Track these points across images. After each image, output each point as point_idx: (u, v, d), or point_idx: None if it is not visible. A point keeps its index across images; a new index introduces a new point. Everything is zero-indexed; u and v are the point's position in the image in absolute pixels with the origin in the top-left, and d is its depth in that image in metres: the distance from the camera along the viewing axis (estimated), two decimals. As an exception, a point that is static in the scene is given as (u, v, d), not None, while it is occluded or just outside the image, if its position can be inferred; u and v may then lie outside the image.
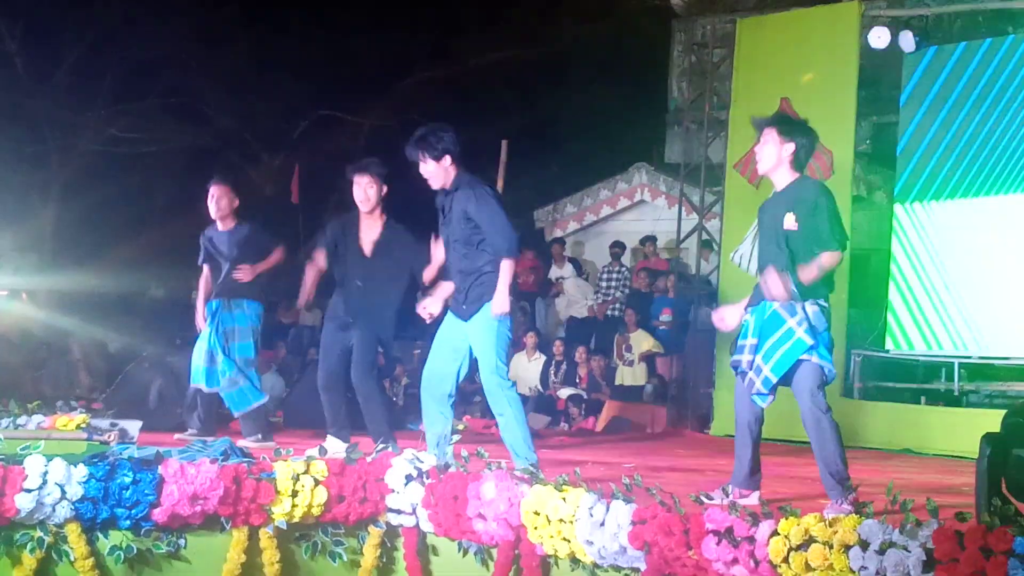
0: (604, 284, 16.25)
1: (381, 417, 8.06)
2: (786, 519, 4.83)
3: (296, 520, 6.36)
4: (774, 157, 6.19)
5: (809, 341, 5.97)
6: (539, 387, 14.37)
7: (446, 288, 7.21)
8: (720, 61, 13.84)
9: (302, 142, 21.81)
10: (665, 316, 14.64)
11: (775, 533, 4.82)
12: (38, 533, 5.95)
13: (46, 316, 15.23)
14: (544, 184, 19.57)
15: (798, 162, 6.20)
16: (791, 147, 6.16)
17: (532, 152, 18.70)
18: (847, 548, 4.61)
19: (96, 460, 6.12)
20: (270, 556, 6.32)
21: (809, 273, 6.02)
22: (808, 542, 4.72)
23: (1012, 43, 11.57)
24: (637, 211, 18.09)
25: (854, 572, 4.57)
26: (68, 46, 19.78)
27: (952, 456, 9.69)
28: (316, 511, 6.38)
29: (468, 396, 12.63)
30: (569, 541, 5.60)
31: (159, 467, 6.17)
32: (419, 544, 6.48)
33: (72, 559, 6.00)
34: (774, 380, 6.04)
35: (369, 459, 6.64)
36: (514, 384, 7.21)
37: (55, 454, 6.05)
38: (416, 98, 21.10)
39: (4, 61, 19.41)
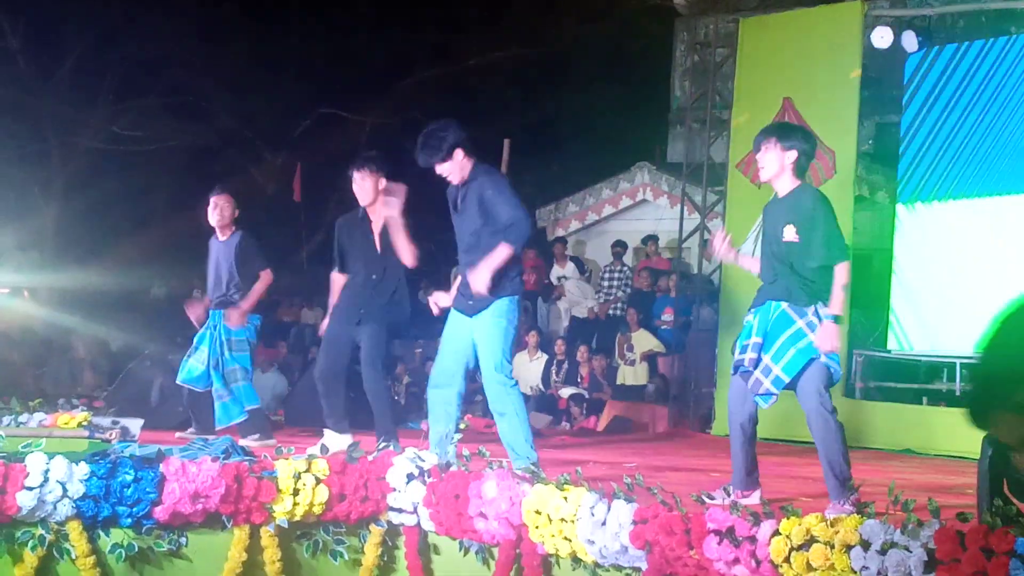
0: (606, 283, 16.25)
1: (389, 415, 8.03)
2: (787, 519, 4.83)
3: (297, 518, 6.36)
4: (776, 165, 6.20)
5: None
6: (540, 386, 14.37)
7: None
8: (723, 61, 13.83)
9: (304, 141, 21.82)
10: (667, 315, 14.63)
11: (776, 533, 4.82)
12: (39, 531, 5.96)
13: (47, 314, 15.23)
14: (546, 183, 19.57)
15: (800, 169, 6.22)
16: (792, 155, 6.17)
17: (534, 151, 18.73)
18: (848, 548, 4.61)
19: (98, 458, 6.12)
20: (271, 555, 6.32)
21: (838, 299, 6.05)
22: (809, 542, 4.72)
23: (1015, 43, 11.56)
24: (639, 210, 18.07)
25: (855, 572, 4.57)
26: (70, 44, 19.80)
27: (954, 456, 9.68)
28: (317, 509, 6.39)
29: (469, 395, 12.60)
30: (570, 540, 5.60)
31: (160, 465, 6.17)
32: (420, 543, 6.49)
33: (73, 557, 6.01)
34: (786, 380, 6.03)
35: (371, 458, 6.64)
36: (517, 383, 7.19)
37: (57, 452, 6.05)
38: (418, 97, 21.11)
39: (6, 59, 19.42)
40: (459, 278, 7.21)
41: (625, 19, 20.59)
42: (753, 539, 4.90)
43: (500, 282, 6.93)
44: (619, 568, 5.50)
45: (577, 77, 22.57)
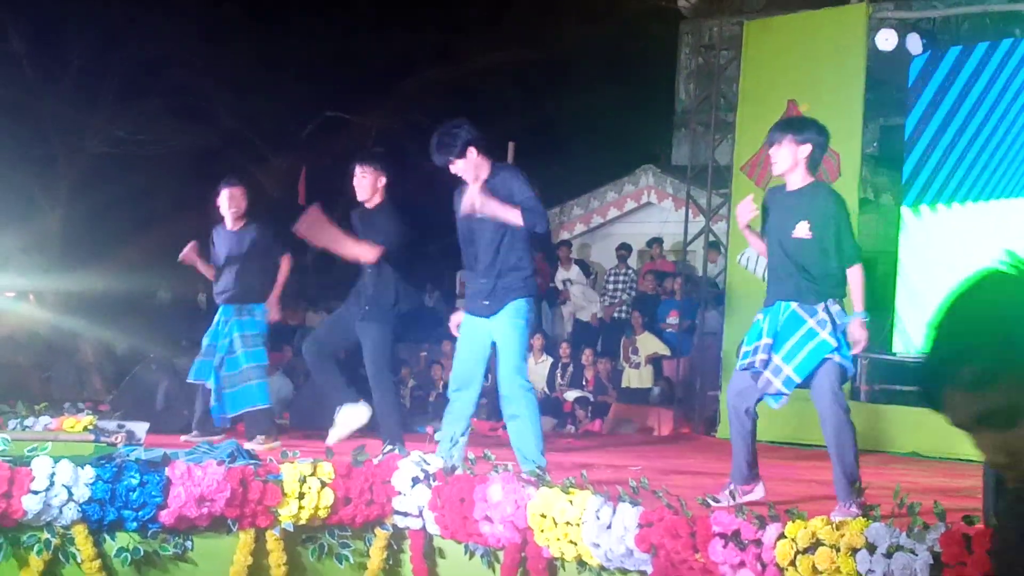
0: (611, 286, 16.25)
1: (394, 417, 8.01)
2: (793, 522, 4.83)
3: (303, 522, 6.36)
4: (790, 159, 6.17)
5: (834, 343, 5.96)
6: (545, 389, 14.36)
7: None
8: (727, 63, 13.83)
9: (308, 143, 21.82)
10: (672, 318, 14.63)
11: (782, 536, 4.82)
12: (45, 535, 5.96)
13: (53, 318, 15.24)
14: (550, 186, 19.50)
15: (813, 163, 6.20)
16: (807, 149, 6.16)
17: (538, 154, 18.68)
18: (854, 551, 4.60)
19: (103, 462, 6.13)
20: (277, 558, 6.33)
21: (860, 298, 6.06)
22: (815, 545, 4.72)
23: (1019, 45, 11.56)
24: (644, 213, 18.07)
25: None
26: (73, 47, 19.81)
27: (959, 459, 9.66)
28: (323, 513, 6.39)
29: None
30: (576, 544, 5.60)
31: (166, 469, 6.17)
32: (425, 546, 6.49)
33: (79, 561, 6.01)
34: (797, 380, 6.02)
35: (376, 461, 6.64)
36: (532, 386, 7.18)
37: (62, 456, 6.06)
38: (422, 99, 21.11)
39: (10, 62, 19.43)
40: (467, 284, 7.22)
41: (629, 21, 20.58)
42: (759, 542, 4.90)
43: (516, 282, 6.93)
44: (624, 571, 5.50)
45: (581, 79, 22.56)
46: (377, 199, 8.13)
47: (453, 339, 7.45)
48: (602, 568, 5.58)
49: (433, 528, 6.42)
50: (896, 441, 11.05)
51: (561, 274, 16.77)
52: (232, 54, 20.64)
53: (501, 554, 6.06)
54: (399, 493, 6.49)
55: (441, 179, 7.28)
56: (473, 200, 6.87)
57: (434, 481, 6.45)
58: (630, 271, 16.24)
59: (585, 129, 22.24)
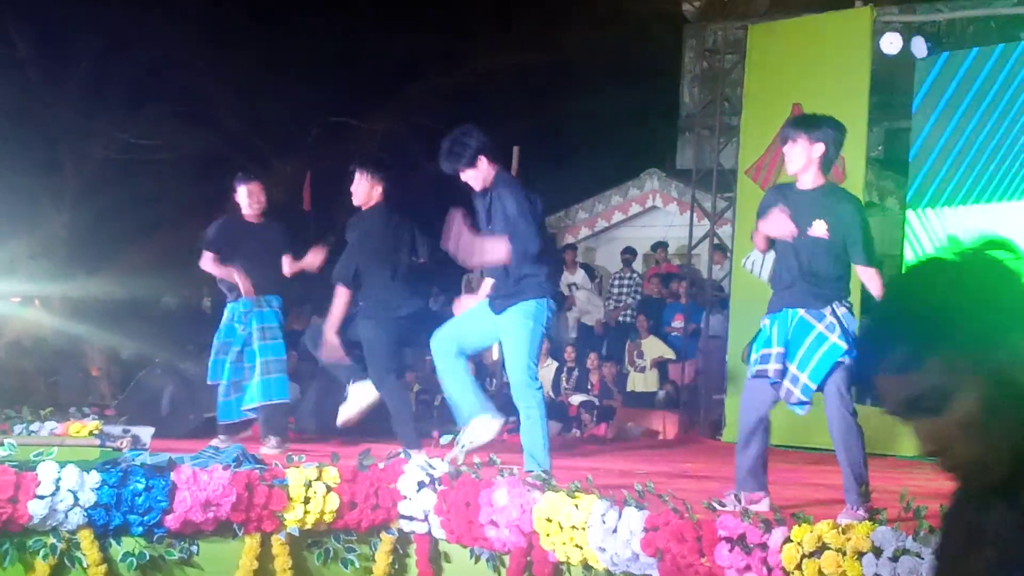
0: (616, 290, 16.25)
1: (408, 422, 7.98)
2: (799, 526, 4.82)
3: (308, 527, 6.37)
4: (803, 158, 6.11)
5: (844, 346, 5.92)
6: (551, 393, 14.36)
7: (487, 286, 7.25)
8: (732, 67, 13.82)
9: (313, 147, 21.83)
10: (677, 322, 14.62)
11: (788, 540, 4.82)
12: (51, 539, 5.97)
13: (59, 322, 15.26)
14: (556, 190, 19.53)
15: (827, 162, 6.16)
16: (820, 147, 6.10)
17: (543, 158, 18.68)
18: (860, 555, 4.60)
19: (109, 467, 6.14)
20: (282, 563, 6.33)
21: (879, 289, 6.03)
22: (821, 549, 4.71)
23: (1025, 48, 11.55)
24: (649, 217, 18.08)
25: (867, 579, 4.56)
26: (80, 52, 19.84)
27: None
28: (328, 518, 6.39)
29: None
30: (581, 548, 5.60)
31: (171, 474, 6.18)
32: (431, 551, 6.49)
33: (85, 565, 6.02)
34: (814, 387, 5.98)
35: (381, 466, 6.64)
36: (541, 386, 7.18)
37: (68, 461, 6.07)
38: (426, 103, 21.12)
39: (16, 67, 19.47)
40: (487, 281, 7.26)
41: (633, 25, 20.57)
42: (764, 546, 4.89)
43: (527, 284, 6.93)
44: (630, 575, 5.49)
45: (585, 83, 22.55)
46: (373, 203, 8.14)
47: None
48: (608, 572, 5.57)
49: (439, 532, 6.42)
50: (903, 444, 11.02)
51: (566, 278, 16.75)
52: (237, 58, 20.65)
53: (507, 558, 6.06)
54: (405, 497, 6.50)
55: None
56: (459, 242, 6.90)
57: (440, 485, 6.45)
58: (635, 275, 16.24)
59: (590, 133, 22.24)
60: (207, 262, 8.94)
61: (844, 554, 4.63)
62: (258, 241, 8.95)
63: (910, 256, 12.08)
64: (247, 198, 8.94)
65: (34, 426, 7.18)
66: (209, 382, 8.96)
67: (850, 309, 6.09)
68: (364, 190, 8.13)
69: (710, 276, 14.26)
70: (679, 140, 17.96)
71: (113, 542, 6.11)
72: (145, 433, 7.25)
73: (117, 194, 19.64)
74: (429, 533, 6.48)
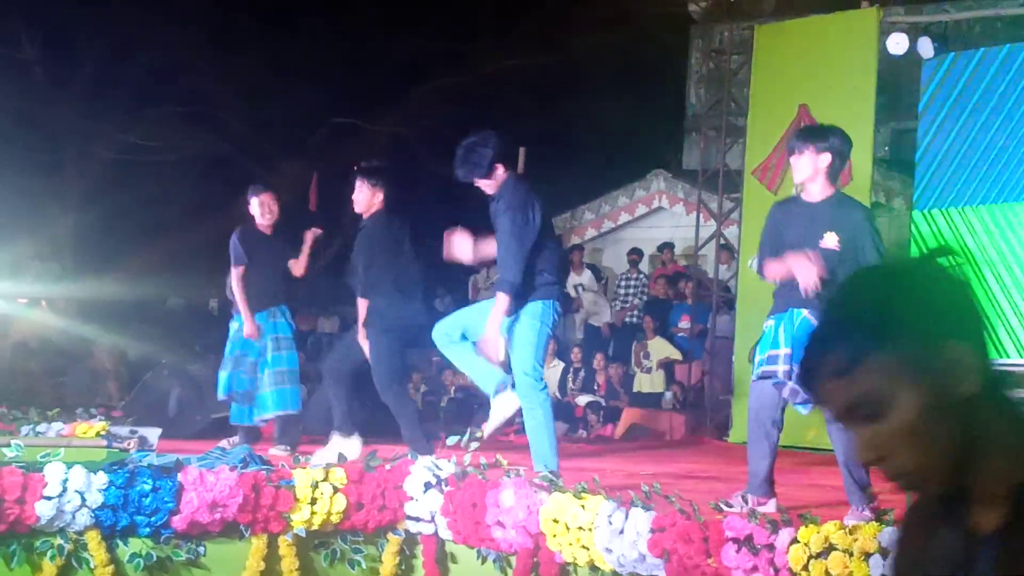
0: (622, 291, 16.24)
1: (416, 429, 7.94)
2: (806, 527, 4.82)
3: (315, 528, 6.37)
4: (810, 168, 6.11)
5: None
6: (557, 394, 14.35)
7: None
8: (738, 68, 13.82)
9: (319, 150, 21.85)
10: (683, 323, 14.62)
11: (795, 541, 4.81)
12: (58, 540, 5.98)
13: (65, 324, 15.27)
14: (562, 191, 19.55)
15: (834, 172, 6.15)
16: (826, 158, 6.09)
17: (550, 159, 18.68)
18: (867, 556, 4.59)
19: (116, 468, 6.15)
20: (289, 564, 6.34)
21: None
22: (828, 550, 4.71)
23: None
24: (655, 218, 18.08)
25: (875, 580, 4.56)
26: (86, 54, 19.88)
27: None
28: (335, 519, 6.40)
29: (486, 404, 12.61)
30: (588, 549, 5.60)
31: (178, 474, 6.19)
32: (438, 552, 6.49)
33: (92, 566, 6.03)
34: None
35: (388, 466, 6.65)
36: (547, 386, 7.18)
37: (75, 461, 6.08)
38: (432, 105, 21.14)
39: (23, 69, 19.51)
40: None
41: (640, 27, 20.57)
42: (771, 547, 4.89)
43: (535, 286, 6.94)
44: (637, 576, 5.49)
45: (592, 85, 22.56)
46: (373, 211, 8.15)
47: None
48: (615, 573, 5.57)
49: (445, 533, 6.43)
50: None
51: (573, 279, 16.75)
52: (243, 61, 20.68)
53: (513, 559, 6.06)
54: (411, 498, 6.50)
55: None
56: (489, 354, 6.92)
57: (446, 486, 6.45)
58: (641, 276, 16.23)
59: (596, 134, 22.25)
60: (237, 278, 8.89)
61: (851, 555, 4.63)
62: (271, 251, 8.96)
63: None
64: (260, 208, 8.95)
65: (41, 427, 7.19)
66: (222, 396, 8.91)
67: None
68: (365, 197, 8.13)
69: (716, 277, 14.26)
70: (685, 141, 17.97)
71: (120, 543, 6.11)
72: (152, 434, 7.26)
73: (122, 196, 19.67)
74: (436, 534, 6.49)
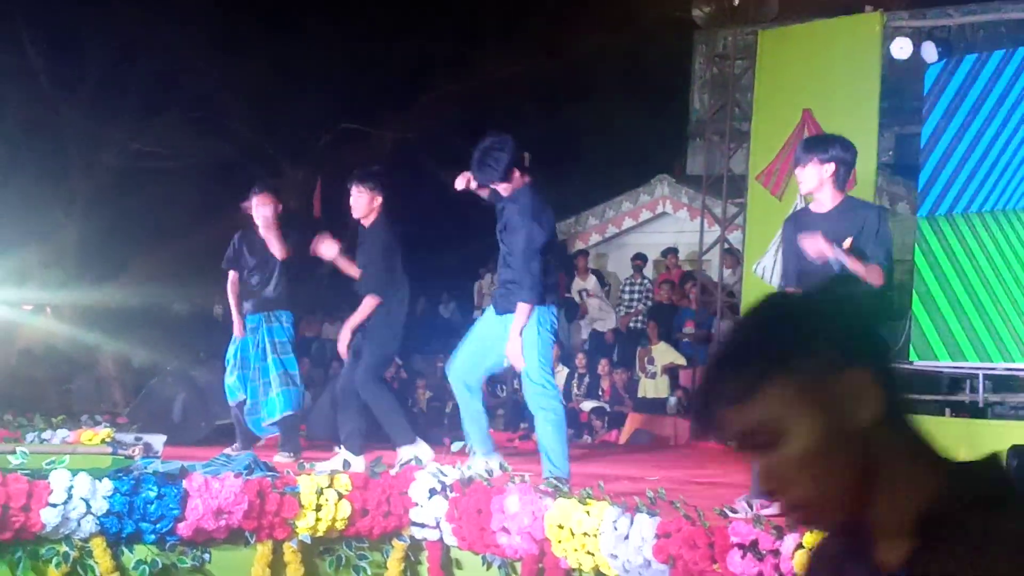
0: (626, 296, 16.24)
1: (394, 418, 7.91)
2: (811, 532, 4.81)
3: (320, 534, 6.37)
4: (815, 179, 6.13)
5: None
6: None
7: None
8: (742, 73, 13.83)
9: (324, 155, 21.86)
10: (688, 328, 14.61)
11: (800, 546, 4.81)
12: (64, 548, 5.98)
13: (70, 331, 15.29)
14: (566, 196, 19.54)
15: (840, 180, 6.16)
16: (830, 167, 6.11)
17: (554, 164, 18.68)
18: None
19: (121, 474, 6.15)
20: (294, 570, 6.34)
21: (859, 270, 5.93)
22: (833, 555, 4.69)
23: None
24: (659, 223, 18.06)
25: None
26: (91, 61, 19.90)
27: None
28: (340, 525, 6.40)
29: (491, 410, 12.62)
30: (593, 555, 5.59)
31: (184, 481, 6.19)
32: (443, 558, 6.49)
33: (97, 574, 6.03)
34: None
35: (393, 472, 6.65)
36: (558, 390, 7.18)
37: (80, 469, 6.08)
38: (437, 110, 21.14)
39: (28, 76, 19.53)
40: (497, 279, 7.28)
41: (644, 31, 20.56)
42: (777, 552, 4.89)
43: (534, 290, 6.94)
44: (642, 582, 5.49)
45: (596, 90, 22.57)
46: (372, 217, 8.14)
47: None
48: (620, 579, 5.57)
49: (450, 539, 6.43)
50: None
51: (578, 284, 16.76)
52: (248, 66, 20.69)
53: (518, 565, 6.06)
54: (416, 504, 6.50)
55: (455, 189, 7.28)
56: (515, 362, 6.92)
57: (451, 492, 6.45)
58: (645, 281, 16.23)
59: (600, 139, 22.25)
60: (231, 284, 8.94)
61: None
62: (271, 256, 8.95)
63: (921, 261, 12.06)
64: (261, 210, 8.93)
65: (46, 434, 7.20)
66: (232, 401, 8.90)
67: None
68: (364, 204, 8.12)
69: (721, 281, 14.25)
70: (689, 146, 17.96)
71: (125, 550, 6.12)
72: (157, 441, 7.27)
73: (128, 202, 19.67)
74: (441, 540, 6.49)
